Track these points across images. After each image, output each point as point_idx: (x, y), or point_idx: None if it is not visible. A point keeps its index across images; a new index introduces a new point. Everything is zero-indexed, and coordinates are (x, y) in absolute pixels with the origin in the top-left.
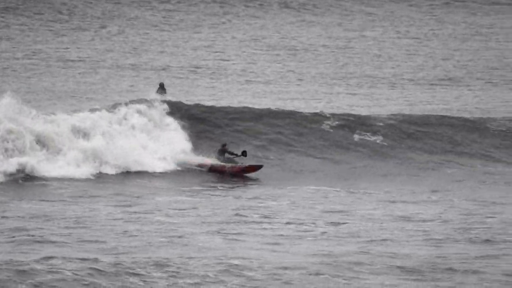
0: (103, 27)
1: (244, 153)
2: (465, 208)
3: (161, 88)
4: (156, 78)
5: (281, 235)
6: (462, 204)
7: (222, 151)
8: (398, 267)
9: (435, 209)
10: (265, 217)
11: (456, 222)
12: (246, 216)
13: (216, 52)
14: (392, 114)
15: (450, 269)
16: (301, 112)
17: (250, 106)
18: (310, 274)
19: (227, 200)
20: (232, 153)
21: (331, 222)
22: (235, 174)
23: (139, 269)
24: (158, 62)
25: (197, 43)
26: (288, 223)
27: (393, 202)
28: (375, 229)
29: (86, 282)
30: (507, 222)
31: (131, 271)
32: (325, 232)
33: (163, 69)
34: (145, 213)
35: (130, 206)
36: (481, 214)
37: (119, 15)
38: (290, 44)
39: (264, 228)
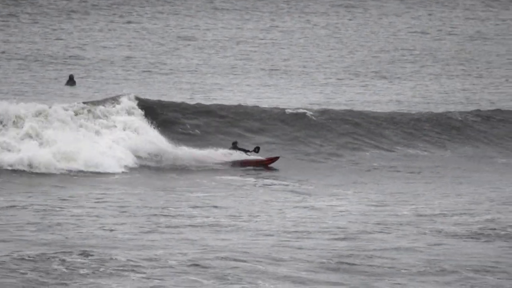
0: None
1: (256, 149)
2: (380, 201)
3: (71, 80)
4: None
5: (196, 226)
6: (377, 197)
7: (233, 148)
8: (308, 261)
9: (351, 203)
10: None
11: (371, 216)
12: (177, 208)
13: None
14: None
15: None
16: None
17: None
18: (226, 259)
19: (156, 193)
20: (244, 150)
21: (243, 216)
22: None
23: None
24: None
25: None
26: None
27: (309, 195)
28: (288, 223)
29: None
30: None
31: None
32: (239, 227)
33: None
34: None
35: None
36: (393, 206)
37: None
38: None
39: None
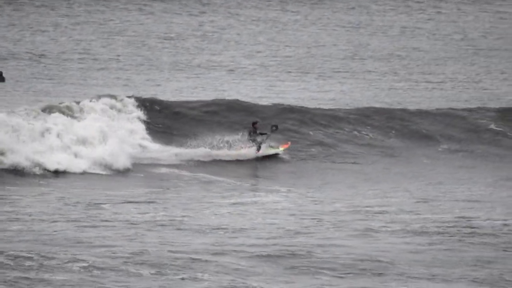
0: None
1: (274, 128)
2: (318, 199)
3: (0, 76)
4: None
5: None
6: (315, 194)
7: (254, 130)
8: (247, 256)
9: (291, 200)
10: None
11: (309, 212)
12: (105, 204)
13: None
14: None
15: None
16: None
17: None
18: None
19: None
20: (262, 133)
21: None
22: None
23: None
24: None
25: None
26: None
27: (245, 191)
28: (225, 218)
29: None
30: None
31: None
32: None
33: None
34: None
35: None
36: (330, 202)
37: None
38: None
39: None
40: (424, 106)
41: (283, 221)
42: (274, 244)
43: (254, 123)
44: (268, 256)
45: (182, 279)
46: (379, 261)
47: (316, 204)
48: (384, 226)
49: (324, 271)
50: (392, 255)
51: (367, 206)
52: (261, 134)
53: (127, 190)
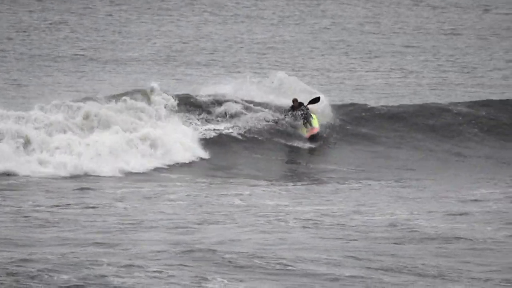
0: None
1: (316, 100)
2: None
3: None
4: None
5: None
6: (209, 187)
7: (298, 106)
8: (150, 251)
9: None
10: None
11: (207, 206)
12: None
13: None
14: None
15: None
16: None
17: None
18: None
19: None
20: (306, 107)
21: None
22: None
23: None
24: None
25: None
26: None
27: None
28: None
29: None
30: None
31: None
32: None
33: None
34: None
35: None
36: (229, 196)
37: None
38: None
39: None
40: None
41: (184, 215)
42: (178, 240)
43: (295, 100)
44: (174, 251)
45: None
46: (283, 255)
47: (214, 197)
48: (287, 219)
49: (224, 270)
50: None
51: (264, 199)
52: (306, 108)
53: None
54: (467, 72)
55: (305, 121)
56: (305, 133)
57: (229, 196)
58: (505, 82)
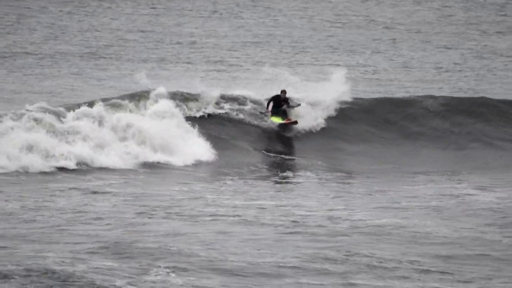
0: None
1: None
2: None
3: None
4: None
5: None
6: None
7: (285, 99)
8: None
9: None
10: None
11: (140, 201)
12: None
13: None
14: None
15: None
16: None
17: None
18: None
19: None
20: (290, 106)
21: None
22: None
23: None
24: None
25: None
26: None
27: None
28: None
29: None
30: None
31: None
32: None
33: None
34: None
35: None
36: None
37: None
38: None
39: None
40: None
41: (116, 211)
42: (112, 235)
43: (284, 91)
44: (107, 247)
45: None
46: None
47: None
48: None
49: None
50: None
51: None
52: (289, 106)
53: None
54: (406, 68)
55: (284, 113)
56: (280, 120)
57: (169, 190)
58: (440, 77)
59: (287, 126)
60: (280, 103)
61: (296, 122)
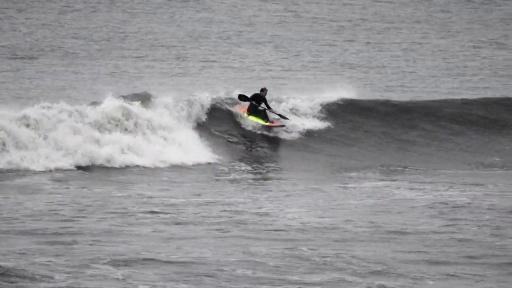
0: None
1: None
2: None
3: None
4: None
5: None
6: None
7: (263, 98)
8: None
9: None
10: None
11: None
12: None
13: None
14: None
15: None
16: None
17: None
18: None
19: None
20: (268, 107)
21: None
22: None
23: None
24: None
25: None
26: None
27: None
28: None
29: None
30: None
31: None
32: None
33: None
34: None
35: None
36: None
37: None
38: None
39: None
40: None
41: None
42: (54, 230)
43: (263, 89)
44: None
45: None
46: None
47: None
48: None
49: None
50: None
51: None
52: (268, 107)
53: None
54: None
55: (264, 113)
56: (262, 121)
57: (108, 189)
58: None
59: (271, 128)
60: (259, 102)
61: (283, 126)
